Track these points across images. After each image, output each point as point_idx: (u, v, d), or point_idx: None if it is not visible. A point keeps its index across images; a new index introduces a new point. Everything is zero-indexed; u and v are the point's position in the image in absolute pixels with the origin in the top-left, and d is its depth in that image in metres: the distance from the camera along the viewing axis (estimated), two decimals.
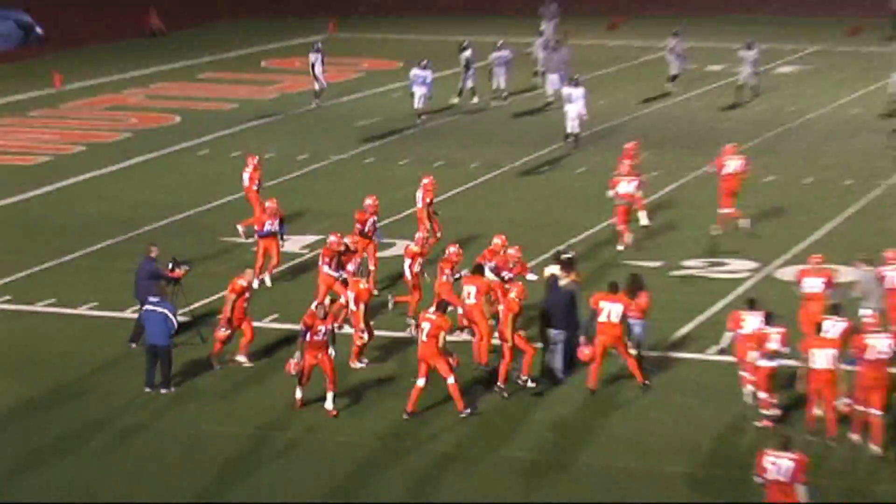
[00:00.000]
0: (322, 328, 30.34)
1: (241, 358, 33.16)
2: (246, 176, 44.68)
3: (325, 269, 35.80)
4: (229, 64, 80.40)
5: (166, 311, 32.04)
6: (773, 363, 30.50)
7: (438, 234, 40.94)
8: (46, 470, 27.87)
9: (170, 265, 35.16)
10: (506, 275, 34.39)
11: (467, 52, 65.25)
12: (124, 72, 75.85)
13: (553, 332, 32.42)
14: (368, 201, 38.98)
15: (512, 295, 31.57)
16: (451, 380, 30.42)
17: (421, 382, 30.37)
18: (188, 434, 29.81)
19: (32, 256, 41.94)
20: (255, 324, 34.20)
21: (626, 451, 29.23)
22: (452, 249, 35.49)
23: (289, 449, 29.11)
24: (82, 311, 37.53)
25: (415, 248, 36.04)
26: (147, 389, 31.72)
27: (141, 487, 26.48)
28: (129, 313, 35.69)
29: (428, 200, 42.60)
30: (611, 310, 32.10)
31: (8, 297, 38.56)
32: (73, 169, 54.14)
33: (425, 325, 30.33)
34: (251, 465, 28.27)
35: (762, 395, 30.43)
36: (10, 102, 66.70)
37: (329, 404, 30.16)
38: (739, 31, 78.69)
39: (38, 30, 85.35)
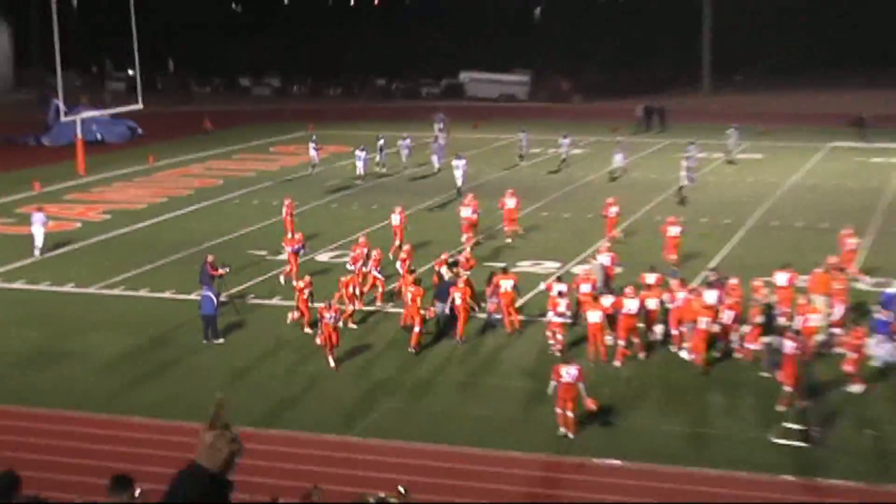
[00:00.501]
0: (329, 314, 34.44)
1: (308, 330, 37.29)
2: (284, 211, 50.30)
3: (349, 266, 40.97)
4: (251, 149, 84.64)
5: (211, 294, 37.29)
6: (561, 319, 35.99)
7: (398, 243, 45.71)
8: (153, 386, 33.95)
9: (217, 267, 40.38)
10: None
11: (381, 141, 72.65)
12: (189, 154, 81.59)
13: (438, 304, 37.81)
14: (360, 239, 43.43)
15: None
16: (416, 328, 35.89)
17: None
18: (231, 366, 35.43)
19: (138, 263, 47.23)
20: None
21: (467, 369, 35.07)
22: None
23: (309, 382, 34.03)
24: (167, 294, 43.09)
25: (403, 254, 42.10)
26: (203, 341, 37.14)
27: (199, 397, 30.58)
28: (194, 296, 40.55)
29: (400, 220, 48.28)
30: (506, 285, 37.83)
31: (123, 286, 44.11)
32: (161, 211, 59.62)
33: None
34: (277, 389, 33.35)
35: (556, 339, 35.57)
36: (122, 174, 72.12)
37: (332, 363, 34.41)
38: (562, 127, 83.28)
39: (140, 130, 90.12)
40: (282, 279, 43.53)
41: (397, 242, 45.97)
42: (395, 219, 48.03)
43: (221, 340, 37.20)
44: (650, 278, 37.97)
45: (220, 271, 40.19)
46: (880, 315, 34.67)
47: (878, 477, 27.63)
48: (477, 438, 29.34)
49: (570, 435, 29.47)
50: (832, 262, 39.24)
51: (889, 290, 37.27)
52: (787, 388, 30.76)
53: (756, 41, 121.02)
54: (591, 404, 29.80)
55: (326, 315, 34.18)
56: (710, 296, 35.77)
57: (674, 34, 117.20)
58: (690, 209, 56.90)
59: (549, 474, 28.08)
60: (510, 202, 51.94)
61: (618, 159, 68.12)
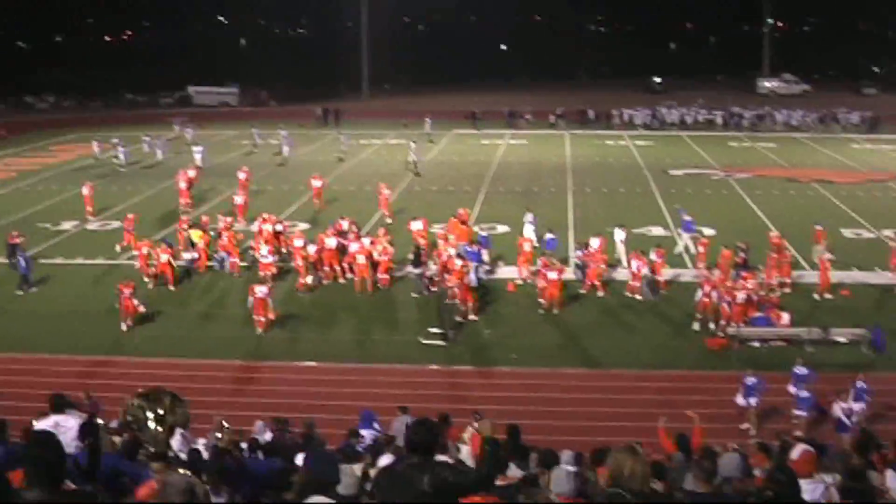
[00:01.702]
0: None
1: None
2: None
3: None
4: (36, 148, 74.69)
5: (23, 258, 36.31)
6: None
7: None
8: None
9: (16, 237, 38.44)
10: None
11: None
12: None
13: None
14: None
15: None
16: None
17: None
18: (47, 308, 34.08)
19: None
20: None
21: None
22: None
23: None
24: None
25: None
26: (19, 292, 35.58)
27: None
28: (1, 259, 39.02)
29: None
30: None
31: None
32: None
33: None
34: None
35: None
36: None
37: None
38: (259, 124, 79.10)
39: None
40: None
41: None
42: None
43: (35, 289, 36.02)
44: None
45: (18, 240, 38.29)
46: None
47: (490, 363, 29.49)
48: None
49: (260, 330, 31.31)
50: (461, 214, 41.17)
51: (550, 236, 38.05)
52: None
53: (399, 58, 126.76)
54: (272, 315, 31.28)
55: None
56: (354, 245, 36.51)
57: (342, 55, 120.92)
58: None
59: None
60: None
61: (285, 150, 65.84)
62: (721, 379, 27.28)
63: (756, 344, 30.68)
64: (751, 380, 25.41)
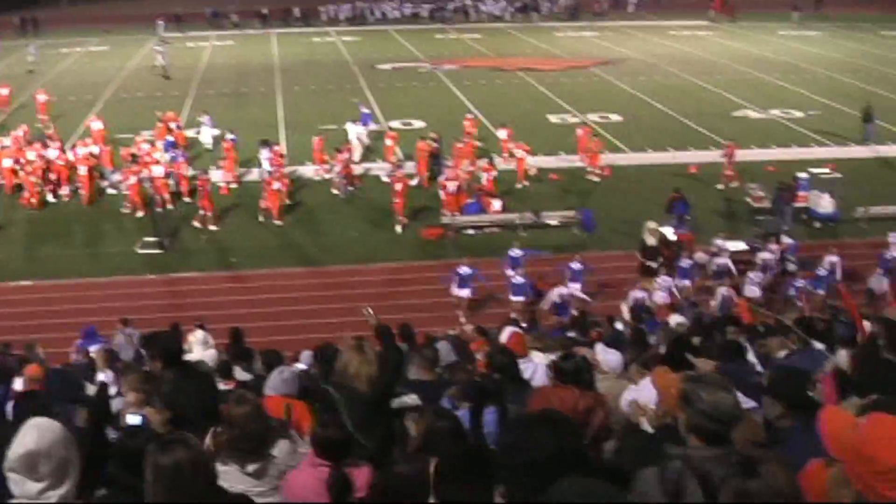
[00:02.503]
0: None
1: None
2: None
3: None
4: None
5: None
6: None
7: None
8: None
9: None
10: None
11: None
12: None
13: None
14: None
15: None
16: None
17: None
18: None
19: None
20: None
21: None
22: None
23: None
24: None
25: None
26: None
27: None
28: None
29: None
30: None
31: None
32: None
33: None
34: None
35: None
36: None
37: None
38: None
39: None
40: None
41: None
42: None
43: None
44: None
45: None
46: None
47: (210, 268, 29.48)
48: None
49: None
50: (165, 117, 40.26)
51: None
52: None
53: None
54: None
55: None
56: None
57: None
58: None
59: None
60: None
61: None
62: (440, 268, 28.01)
63: (471, 232, 31.61)
64: (465, 270, 26.15)
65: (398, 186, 31.87)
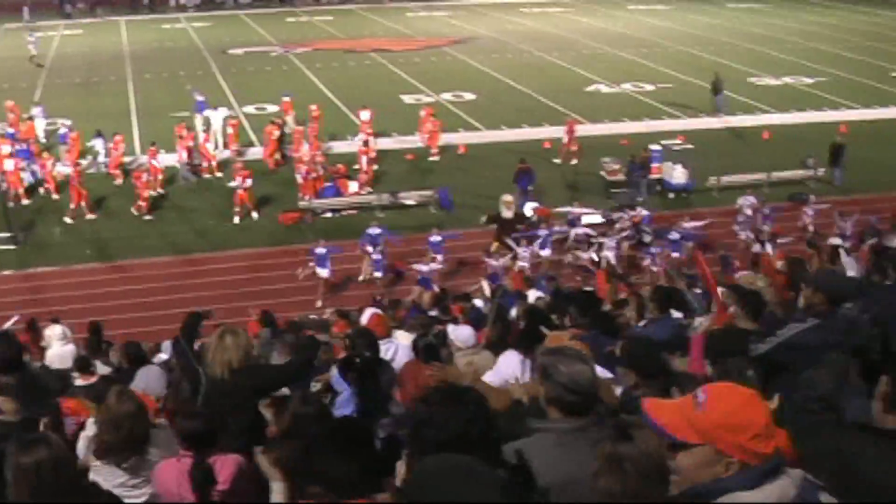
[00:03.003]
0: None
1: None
2: None
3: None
4: None
5: None
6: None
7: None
8: None
9: None
10: None
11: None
12: None
13: None
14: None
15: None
16: None
17: None
18: None
19: None
20: None
21: None
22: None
23: None
24: None
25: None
26: None
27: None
28: None
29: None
30: None
31: None
32: None
33: None
34: None
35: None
36: None
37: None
38: None
39: None
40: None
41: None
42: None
43: None
44: None
45: None
46: None
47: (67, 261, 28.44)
48: None
49: None
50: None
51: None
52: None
53: None
54: None
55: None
56: None
57: None
58: None
59: None
60: None
61: None
62: (300, 252, 27.84)
63: (329, 214, 31.58)
64: (320, 250, 26.12)
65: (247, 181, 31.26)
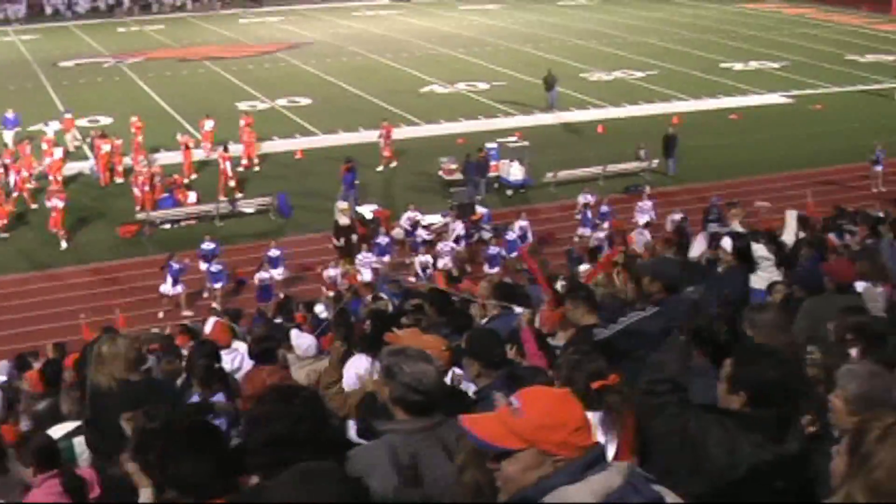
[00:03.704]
0: None
1: None
2: None
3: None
4: None
5: None
6: None
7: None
8: None
9: None
10: None
11: None
12: None
13: None
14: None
15: None
16: None
17: None
18: None
19: None
20: None
21: None
22: None
23: None
24: None
25: None
26: None
27: None
28: None
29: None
30: None
31: None
32: None
33: None
34: None
35: None
36: None
37: None
38: None
39: None
40: None
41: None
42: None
43: None
44: None
45: None
46: None
47: None
48: None
49: None
50: None
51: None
52: None
53: None
54: None
55: None
56: None
57: None
58: None
59: None
60: None
61: None
62: (140, 265, 27.39)
63: (167, 226, 30.95)
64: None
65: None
